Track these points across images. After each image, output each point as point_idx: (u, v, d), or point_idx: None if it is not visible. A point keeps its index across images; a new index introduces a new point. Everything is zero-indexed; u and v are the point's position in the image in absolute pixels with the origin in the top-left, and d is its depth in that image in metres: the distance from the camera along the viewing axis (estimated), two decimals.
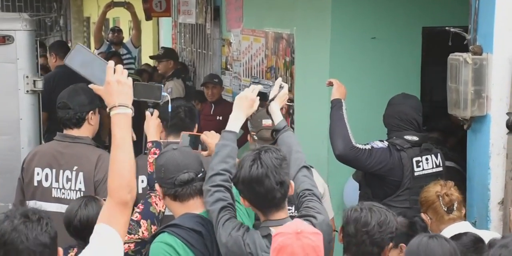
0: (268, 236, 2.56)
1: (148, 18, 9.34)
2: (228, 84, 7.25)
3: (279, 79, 3.11)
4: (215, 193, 2.65)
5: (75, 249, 3.05)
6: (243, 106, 2.88)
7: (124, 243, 2.43)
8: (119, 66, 2.35)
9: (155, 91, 2.83)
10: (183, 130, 3.30)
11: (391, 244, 2.66)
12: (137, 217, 3.15)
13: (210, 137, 3.03)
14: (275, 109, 3.05)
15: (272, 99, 3.04)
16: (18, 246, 1.99)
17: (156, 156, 3.11)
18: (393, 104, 3.86)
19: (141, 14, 9.56)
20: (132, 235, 3.11)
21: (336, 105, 3.76)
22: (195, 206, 2.77)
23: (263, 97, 3.05)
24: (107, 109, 2.32)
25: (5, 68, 3.73)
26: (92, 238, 2.24)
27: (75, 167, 3.59)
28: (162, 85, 3.02)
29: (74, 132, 3.66)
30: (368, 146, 3.65)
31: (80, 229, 2.95)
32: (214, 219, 2.62)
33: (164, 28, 10.58)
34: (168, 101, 3.08)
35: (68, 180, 3.59)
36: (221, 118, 6.15)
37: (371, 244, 2.60)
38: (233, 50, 7.09)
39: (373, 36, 5.01)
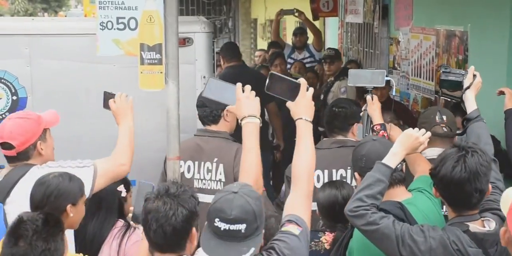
0: (467, 232, 2.54)
1: (315, 18, 9.37)
2: (396, 84, 7.12)
3: (472, 67, 3.08)
4: (373, 214, 2.64)
5: (328, 233, 3.25)
6: (408, 143, 2.79)
7: None
8: (247, 87, 2.74)
9: (377, 76, 3.02)
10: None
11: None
12: None
13: (391, 130, 3.10)
14: (471, 97, 3.05)
15: (468, 87, 3.02)
16: None
17: (384, 138, 3.20)
18: None
19: (308, 14, 9.64)
20: None
21: (510, 115, 3.56)
22: (395, 194, 2.87)
23: (457, 86, 3.04)
24: (239, 121, 2.72)
25: (184, 69, 3.90)
26: None
27: (215, 159, 3.78)
28: (385, 70, 3.16)
29: (213, 127, 3.86)
30: None
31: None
32: (391, 232, 2.59)
33: (330, 27, 10.59)
34: (393, 85, 3.20)
35: (209, 171, 3.79)
36: (388, 118, 6.04)
37: None
38: (401, 49, 6.95)
39: None
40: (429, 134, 2.84)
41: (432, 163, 3.12)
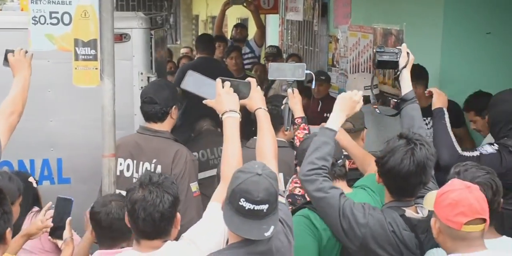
0: (403, 216, 2.64)
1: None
2: (335, 81, 7.20)
3: (404, 45, 3.14)
4: (324, 182, 2.72)
5: None
6: (346, 106, 2.91)
7: None
8: (227, 82, 2.88)
9: (297, 70, 3.04)
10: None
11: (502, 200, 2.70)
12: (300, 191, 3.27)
13: (340, 134, 3.15)
14: (407, 76, 3.10)
15: (404, 67, 3.08)
16: None
17: (305, 131, 3.22)
18: (509, 101, 3.64)
19: (247, 13, 9.64)
20: None
21: (438, 114, 3.64)
22: None
23: (393, 66, 3.10)
24: (220, 115, 2.82)
25: (121, 65, 3.84)
26: (207, 213, 2.66)
27: (154, 160, 3.73)
28: (304, 64, 3.17)
29: (156, 126, 3.81)
30: (476, 153, 3.50)
31: None
32: (336, 203, 2.68)
33: (271, 25, 10.64)
34: (312, 78, 3.22)
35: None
36: (328, 115, 6.09)
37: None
38: (340, 47, 7.04)
39: (488, 31, 4.83)
40: (361, 92, 2.95)
41: None
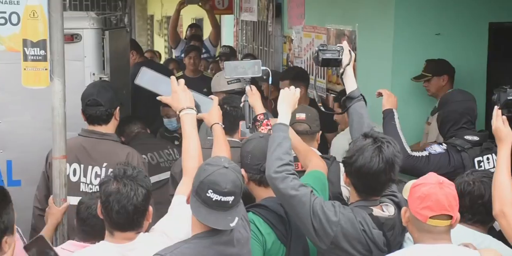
0: (371, 215, 2.68)
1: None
2: None
3: (345, 42, 3.18)
4: (294, 179, 2.74)
5: None
6: (290, 101, 2.98)
7: None
8: (181, 80, 2.95)
9: (253, 67, 3.06)
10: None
11: None
12: None
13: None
14: (351, 74, 3.14)
15: (348, 64, 3.09)
16: None
17: (269, 127, 3.21)
18: (459, 101, 3.71)
19: (202, 13, 9.62)
20: None
21: (387, 115, 3.69)
22: None
23: (336, 63, 3.13)
24: (177, 112, 2.93)
25: (72, 66, 3.80)
26: (173, 206, 2.75)
27: (105, 164, 3.67)
28: (260, 60, 3.17)
29: (102, 128, 3.74)
30: (425, 153, 3.56)
31: None
32: (308, 200, 2.68)
33: (226, 25, 10.64)
34: (269, 74, 3.24)
35: (97, 176, 3.66)
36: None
37: (486, 214, 2.76)
38: (294, 47, 7.08)
39: (437, 32, 4.93)
40: (299, 89, 3.03)
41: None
